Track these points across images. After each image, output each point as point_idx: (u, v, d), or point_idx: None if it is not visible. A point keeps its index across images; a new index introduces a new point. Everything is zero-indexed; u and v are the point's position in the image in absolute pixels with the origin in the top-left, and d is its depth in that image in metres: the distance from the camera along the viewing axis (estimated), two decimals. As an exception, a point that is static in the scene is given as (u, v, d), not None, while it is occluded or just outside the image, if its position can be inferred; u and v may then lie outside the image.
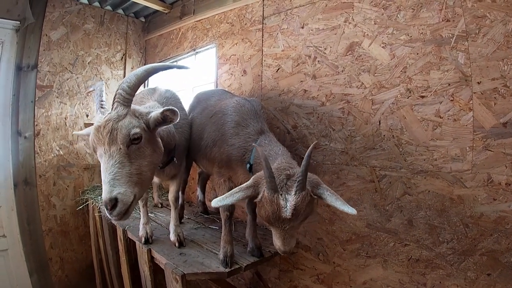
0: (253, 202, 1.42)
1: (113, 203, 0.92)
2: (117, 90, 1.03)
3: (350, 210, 0.93)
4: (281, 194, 0.97)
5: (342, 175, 1.49)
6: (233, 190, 1.04)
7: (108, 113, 1.01)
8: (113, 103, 1.02)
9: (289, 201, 0.96)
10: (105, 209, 0.95)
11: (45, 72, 2.43)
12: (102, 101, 1.09)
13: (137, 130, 1.01)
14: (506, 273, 1.07)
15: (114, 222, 1.07)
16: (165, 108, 1.07)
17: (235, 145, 1.28)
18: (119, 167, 0.96)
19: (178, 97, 1.60)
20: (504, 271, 1.08)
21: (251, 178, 1.06)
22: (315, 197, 1.00)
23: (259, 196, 1.01)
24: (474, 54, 1.14)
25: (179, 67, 1.20)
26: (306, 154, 0.98)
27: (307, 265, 1.64)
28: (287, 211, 0.95)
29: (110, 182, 0.94)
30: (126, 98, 1.03)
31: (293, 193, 0.96)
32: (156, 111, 1.10)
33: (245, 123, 1.31)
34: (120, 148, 0.98)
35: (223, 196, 1.01)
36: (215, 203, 0.99)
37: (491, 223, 1.10)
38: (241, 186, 1.05)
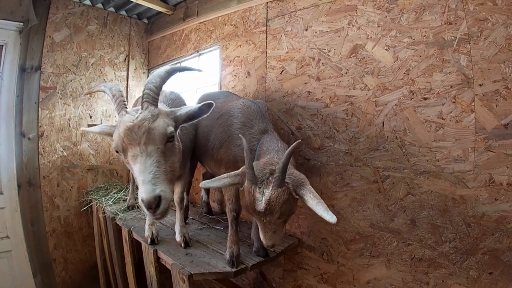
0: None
1: (157, 201, 0.95)
2: (144, 91, 1.05)
3: (330, 217, 0.90)
4: (259, 187, 1.00)
5: (346, 175, 1.51)
6: (221, 175, 1.09)
7: (140, 113, 1.01)
8: (143, 103, 1.04)
9: (265, 194, 0.98)
10: (147, 209, 0.96)
11: (48, 74, 2.44)
12: (124, 101, 1.08)
13: (172, 128, 1.06)
14: (508, 272, 1.09)
15: (156, 220, 1.11)
16: (203, 103, 1.13)
17: (241, 145, 1.30)
18: (157, 166, 0.98)
19: (183, 98, 1.62)
20: (506, 269, 1.10)
21: (241, 168, 1.10)
22: (297, 196, 1.00)
23: (243, 186, 1.05)
24: (476, 56, 1.16)
25: (192, 69, 1.21)
26: (287, 151, 0.98)
27: (311, 264, 1.66)
28: (261, 205, 0.98)
29: (152, 181, 0.95)
30: (155, 97, 1.06)
31: (270, 188, 0.99)
32: (191, 107, 1.15)
33: (250, 123, 1.33)
34: (158, 147, 1.00)
35: (211, 179, 1.09)
36: (203, 184, 1.07)
37: (493, 222, 1.12)
38: (230, 173, 1.10)
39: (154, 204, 0.94)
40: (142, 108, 1.03)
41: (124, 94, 1.13)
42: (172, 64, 2.80)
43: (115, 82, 2.82)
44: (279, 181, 0.98)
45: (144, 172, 0.96)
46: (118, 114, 1.07)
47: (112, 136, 1.08)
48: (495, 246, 1.12)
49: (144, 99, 1.04)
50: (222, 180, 1.07)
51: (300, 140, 1.06)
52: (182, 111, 1.14)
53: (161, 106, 1.36)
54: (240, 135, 1.16)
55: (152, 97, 1.04)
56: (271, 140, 1.26)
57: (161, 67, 1.11)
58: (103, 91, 1.16)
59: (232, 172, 1.09)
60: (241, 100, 1.51)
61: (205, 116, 1.15)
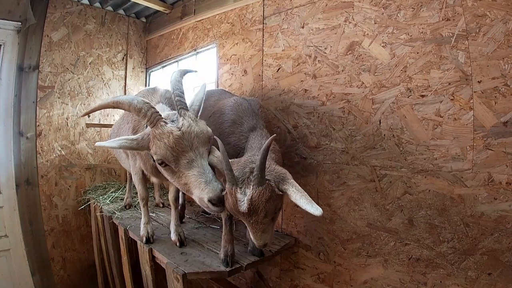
0: None
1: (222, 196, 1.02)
2: (176, 98, 1.10)
3: (314, 210, 0.89)
4: (240, 188, 0.97)
5: (343, 174, 1.49)
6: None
7: (183, 120, 1.05)
8: (179, 110, 1.08)
9: (247, 194, 0.95)
10: (214, 205, 1.00)
11: (46, 73, 2.45)
12: (157, 112, 1.06)
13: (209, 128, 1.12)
14: (507, 273, 1.07)
15: (218, 212, 1.12)
16: (202, 85, 1.23)
17: (231, 143, 1.28)
18: (208, 165, 1.07)
19: None
20: (505, 270, 1.08)
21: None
22: (280, 192, 0.98)
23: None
24: (474, 53, 1.14)
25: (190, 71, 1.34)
26: (263, 147, 0.95)
27: (308, 264, 1.65)
28: (243, 205, 0.95)
29: (213, 179, 1.02)
30: (185, 102, 1.11)
31: (251, 187, 0.96)
32: (197, 99, 1.19)
33: (240, 121, 1.31)
34: (207, 148, 1.08)
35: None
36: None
37: (492, 222, 1.10)
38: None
39: (222, 199, 1.00)
40: (180, 115, 1.07)
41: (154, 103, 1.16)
42: (170, 63, 2.80)
43: (113, 81, 2.82)
44: (258, 179, 0.95)
45: (204, 173, 1.02)
46: (153, 126, 1.05)
47: (136, 149, 1.09)
48: (494, 246, 1.10)
49: (179, 106, 1.09)
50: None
51: (275, 135, 1.02)
52: (196, 105, 1.17)
53: (160, 106, 1.36)
54: (215, 137, 1.12)
55: (183, 103, 1.11)
56: (256, 138, 1.24)
57: (174, 72, 1.16)
58: (118, 107, 1.07)
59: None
60: (233, 97, 1.49)
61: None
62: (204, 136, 1.06)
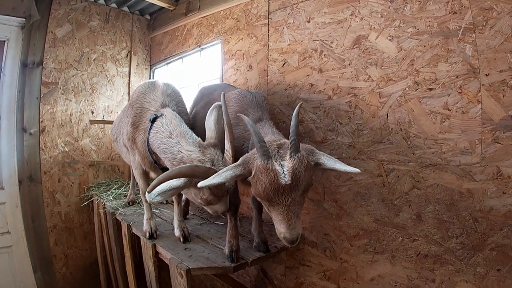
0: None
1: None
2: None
3: (353, 169, 0.90)
4: (275, 160, 0.94)
5: (349, 169, 1.51)
6: (221, 170, 1.00)
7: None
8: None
9: (285, 166, 0.92)
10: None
11: (50, 69, 2.51)
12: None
13: None
14: (516, 268, 1.08)
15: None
16: None
17: (235, 135, 1.30)
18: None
19: (178, 91, 1.62)
20: (514, 265, 1.08)
21: (240, 159, 1.03)
22: (312, 163, 0.97)
23: (252, 172, 0.96)
24: (481, 46, 1.16)
25: None
26: (294, 113, 0.96)
27: (314, 261, 1.66)
28: (286, 176, 0.90)
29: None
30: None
31: (288, 157, 0.93)
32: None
33: (245, 112, 1.31)
34: None
35: (211, 177, 0.97)
36: (201, 184, 0.96)
37: (501, 217, 1.11)
38: (229, 166, 1.01)
39: None
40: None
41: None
42: (174, 60, 2.85)
43: (117, 78, 2.88)
44: (296, 145, 0.93)
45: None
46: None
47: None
48: (503, 241, 1.11)
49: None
50: (222, 174, 0.96)
51: (302, 102, 1.06)
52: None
53: (159, 105, 1.40)
54: (238, 114, 1.12)
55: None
56: (265, 126, 1.25)
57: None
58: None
59: (232, 164, 1.02)
60: (236, 90, 1.51)
61: (201, 109, 1.18)
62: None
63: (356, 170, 0.90)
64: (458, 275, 1.21)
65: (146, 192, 1.04)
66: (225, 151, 1.19)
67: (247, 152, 1.21)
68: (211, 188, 1.09)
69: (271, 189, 0.91)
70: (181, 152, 1.21)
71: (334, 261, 1.58)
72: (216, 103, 1.31)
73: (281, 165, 0.93)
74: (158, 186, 1.03)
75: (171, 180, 1.06)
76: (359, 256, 1.48)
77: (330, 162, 0.96)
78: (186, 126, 1.36)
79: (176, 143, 1.26)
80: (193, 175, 1.04)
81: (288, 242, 0.95)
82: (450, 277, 1.23)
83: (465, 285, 1.19)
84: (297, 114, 0.98)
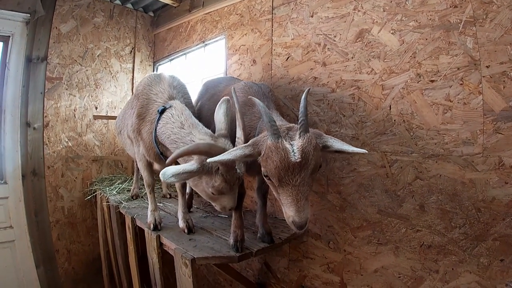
0: (262, 184, 1.51)
1: None
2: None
3: (360, 150, 0.96)
4: (285, 140, 0.98)
5: (353, 160, 1.56)
6: (231, 149, 1.05)
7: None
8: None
9: (295, 145, 0.96)
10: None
11: (54, 64, 2.59)
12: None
13: None
14: (519, 258, 1.11)
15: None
16: None
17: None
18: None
19: (184, 84, 1.68)
20: (517, 255, 1.11)
21: (250, 141, 1.08)
22: (320, 146, 1.02)
23: (262, 152, 1.00)
24: (482, 38, 1.21)
25: None
26: (303, 96, 1.02)
27: (317, 253, 1.71)
28: (296, 154, 0.94)
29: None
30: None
31: (297, 137, 0.98)
32: None
33: (251, 103, 1.36)
34: None
35: (222, 154, 1.02)
36: (212, 159, 1.00)
37: (503, 207, 1.15)
38: (239, 146, 1.07)
39: None
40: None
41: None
42: (178, 56, 2.91)
43: (121, 74, 2.95)
44: (305, 125, 0.97)
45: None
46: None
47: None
48: (506, 231, 1.14)
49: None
50: (232, 153, 1.01)
51: (310, 87, 1.11)
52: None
53: (177, 106, 1.45)
54: (250, 97, 1.18)
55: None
56: (272, 114, 1.29)
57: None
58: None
59: (242, 144, 1.07)
60: (242, 82, 1.57)
61: (206, 102, 1.24)
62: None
63: (363, 150, 0.96)
64: (462, 266, 1.24)
65: (163, 171, 1.09)
66: (236, 138, 1.24)
67: None
68: (224, 174, 1.14)
69: (281, 167, 0.94)
70: (193, 141, 1.27)
71: (337, 253, 1.63)
72: (225, 97, 1.37)
73: (291, 144, 0.97)
74: (172, 168, 1.10)
75: (185, 165, 1.13)
76: (363, 248, 1.52)
77: (338, 144, 1.01)
78: (195, 118, 1.42)
79: (188, 133, 1.32)
80: (210, 152, 1.09)
81: (297, 227, 0.96)
82: (454, 267, 1.26)
83: (469, 275, 1.22)
84: (305, 97, 1.04)
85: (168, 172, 1.08)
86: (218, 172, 1.15)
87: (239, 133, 1.22)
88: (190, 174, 1.14)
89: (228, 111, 1.35)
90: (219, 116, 1.35)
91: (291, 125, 1.09)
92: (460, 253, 1.25)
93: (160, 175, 1.07)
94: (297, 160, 0.94)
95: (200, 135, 1.29)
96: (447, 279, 1.28)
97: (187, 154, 1.13)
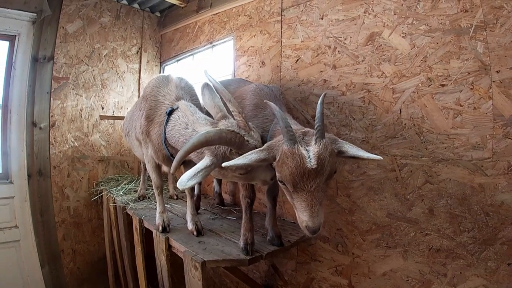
0: (273, 187, 1.54)
1: None
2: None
3: (375, 157, 0.97)
4: (301, 145, 0.99)
5: (363, 164, 1.59)
6: (246, 153, 1.05)
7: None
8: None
9: (311, 151, 0.97)
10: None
11: (61, 64, 2.63)
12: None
13: None
14: (527, 262, 1.13)
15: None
16: None
17: (255, 126, 1.37)
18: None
19: (192, 85, 1.71)
20: (525, 259, 1.14)
21: (264, 145, 1.09)
22: (335, 151, 1.03)
23: (278, 157, 1.01)
24: (492, 43, 1.23)
25: None
26: (319, 101, 1.04)
27: (326, 256, 1.74)
28: (312, 161, 0.94)
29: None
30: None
31: (313, 142, 0.99)
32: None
33: (263, 105, 1.39)
34: None
35: (237, 158, 1.03)
36: (227, 163, 1.01)
37: (512, 211, 1.17)
38: (254, 150, 1.07)
39: None
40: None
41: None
42: (185, 56, 2.95)
43: (127, 74, 2.99)
44: (321, 131, 0.98)
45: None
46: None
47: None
48: (514, 236, 1.16)
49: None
50: (247, 157, 1.01)
51: (326, 92, 1.14)
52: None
53: (174, 98, 1.49)
54: (265, 101, 1.20)
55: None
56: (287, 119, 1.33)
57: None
58: None
59: (257, 149, 1.07)
60: (253, 84, 1.60)
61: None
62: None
63: (379, 157, 0.98)
64: (470, 270, 1.27)
65: (179, 181, 1.07)
66: (235, 119, 1.24)
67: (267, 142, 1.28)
68: (239, 153, 1.12)
69: (297, 173, 0.95)
70: None
71: (346, 256, 1.65)
72: (203, 83, 1.43)
73: (306, 150, 0.98)
74: (187, 173, 1.09)
75: (199, 164, 1.14)
76: (372, 251, 1.55)
77: (353, 150, 1.03)
78: (200, 112, 1.44)
79: (192, 131, 1.35)
80: (210, 141, 1.09)
81: (310, 232, 0.97)
82: (462, 271, 1.29)
83: (477, 279, 1.25)
84: (322, 102, 1.06)
85: (183, 179, 1.07)
86: (233, 153, 1.14)
87: (236, 115, 1.22)
88: (207, 169, 1.13)
89: (213, 93, 1.39)
90: (207, 102, 1.38)
91: (306, 129, 1.11)
92: (468, 257, 1.28)
93: (177, 185, 1.06)
94: (313, 167, 0.95)
95: (201, 128, 1.31)
96: (455, 282, 1.30)
97: (187, 154, 1.13)
